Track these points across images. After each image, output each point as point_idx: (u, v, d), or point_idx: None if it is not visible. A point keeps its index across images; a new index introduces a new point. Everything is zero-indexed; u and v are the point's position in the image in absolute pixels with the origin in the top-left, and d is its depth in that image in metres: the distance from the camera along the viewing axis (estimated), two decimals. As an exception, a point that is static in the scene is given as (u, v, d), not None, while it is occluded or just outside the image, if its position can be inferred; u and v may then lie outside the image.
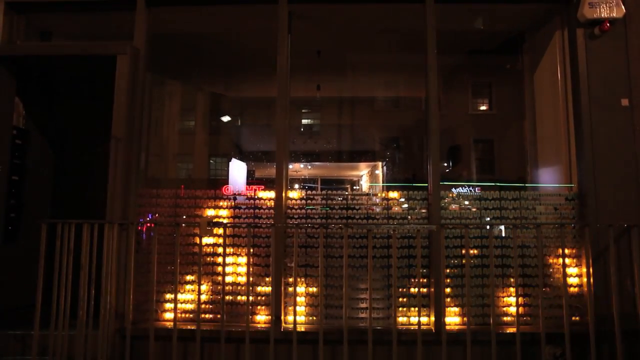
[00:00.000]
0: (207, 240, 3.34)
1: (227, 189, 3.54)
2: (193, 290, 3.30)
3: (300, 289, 3.28)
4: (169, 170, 6.21)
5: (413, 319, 3.21)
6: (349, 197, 3.42)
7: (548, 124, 3.87)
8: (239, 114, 8.93)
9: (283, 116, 3.41)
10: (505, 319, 3.22)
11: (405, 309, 3.24)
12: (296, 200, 3.39)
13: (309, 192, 3.42)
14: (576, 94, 3.38)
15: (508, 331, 3.07)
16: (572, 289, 3.23)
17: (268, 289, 3.25)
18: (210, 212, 3.40)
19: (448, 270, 3.24)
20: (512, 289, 3.20)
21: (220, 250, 3.31)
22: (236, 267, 3.32)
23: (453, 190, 3.45)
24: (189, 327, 3.16)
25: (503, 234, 3.39)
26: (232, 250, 3.33)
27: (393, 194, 3.40)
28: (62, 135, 4.60)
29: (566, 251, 3.20)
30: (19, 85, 3.76)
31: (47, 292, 2.95)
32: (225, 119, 7.79)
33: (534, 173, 4.08)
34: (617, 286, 2.93)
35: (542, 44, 3.90)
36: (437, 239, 3.16)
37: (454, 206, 3.37)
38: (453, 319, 3.22)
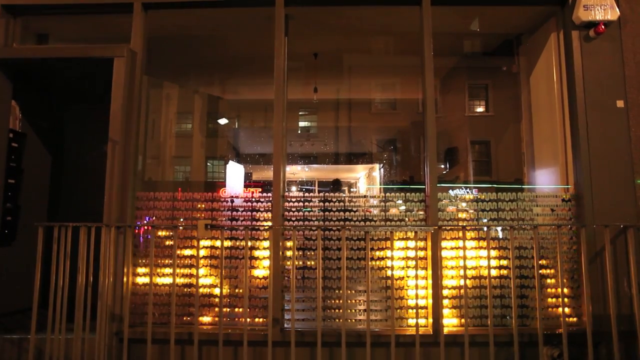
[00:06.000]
0: (204, 242, 3.33)
1: (224, 192, 3.54)
2: (191, 294, 3.29)
3: (298, 291, 3.27)
4: (166, 173, 6.20)
5: (411, 320, 3.21)
6: (347, 199, 3.42)
7: (544, 126, 3.89)
8: (236, 117, 8.93)
9: (280, 118, 3.42)
10: (503, 320, 3.22)
11: (403, 310, 3.24)
12: (294, 202, 3.39)
13: (306, 194, 3.42)
14: (572, 95, 3.39)
15: (506, 332, 3.07)
16: (569, 290, 3.23)
17: (266, 291, 3.24)
18: (207, 215, 3.40)
19: (445, 272, 3.25)
20: (509, 290, 3.20)
21: (218, 252, 3.30)
22: (234, 270, 3.31)
23: (450, 192, 3.46)
24: (186, 329, 3.15)
25: (500, 235, 3.40)
26: (229, 252, 3.32)
27: (390, 196, 3.40)
28: (59, 137, 4.60)
29: (563, 252, 3.21)
30: (16, 88, 3.75)
31: (44, 296, 2.94)
32: (223, 121, 7.79)
33: (531, 174, 4.09)
34: (614, 287, 2.95)
35: (538, 46, 3.93)
36: (434, 241, 3.17)
37: (451, 208, 3.37)
38: (451, 320, 3.22)
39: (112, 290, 3.03)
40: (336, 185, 6.90)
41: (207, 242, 3.35)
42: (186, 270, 3.33)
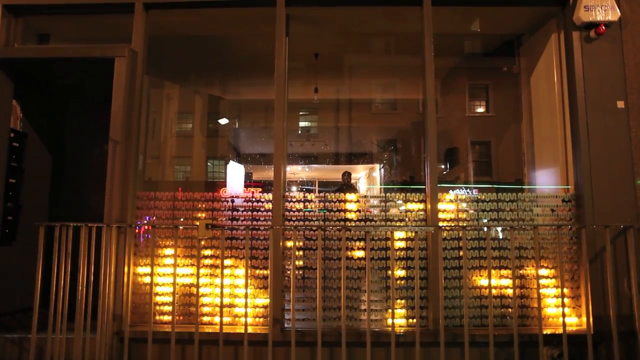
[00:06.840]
0: (205, 242, 3.34)
1: (224, 192, 3.54)
2: (191, 294, 3.30)
3: (299, 291, 3.28)
4: (166, 173, 6.21)
5: (411, 320, 3.21)
6: (347, 199, 3.42)
7: (545, 126, 3.89)
8: (236, 117, 8.95)
9: (281, 119, 3.42)
10: (503, 320, 3.22)
11: (403, 310, 3.25)
12: (294, 202, 3.40)
13: (306, 194, 3.42)
14: (572, 96, 3.39)
15: (506, 332, 3.07)
16: (569, 291, 3.23)
17: (266, 291, 3.25)
18: (208, 215, 3.40)
19: (445, 272, 3.25)
20: (509, 291, 3.20)
21: (218, 252, 3.31)
22: (234, 270, 3.32)
23: (450, 192, 3.46)
24: (187, 329, 3.15)
25: (500, 236, 3.40)
26: (230, 252, 3.33)
27: (391, 196, 3.41)
28: (60, 137, 4.60)
29: (563, 252, 3.22)
30: (17, 88, 3.76)
31: (44, 295, 2.94)
32: (223, 121, 7.80)
33: (531, 175, 4.09)
34: (614, 287, 2.95)
35: (539, 46, 3.93)
36: (434, 241, 3.17)
37: (451, 208, 3.37)
38: (451, 320, 3.22)
39: (112, 289, 3.03)
40: (346, 177, 6.92)
41: (208, 243, 3.35)
42: (187, 270, 3.33)
